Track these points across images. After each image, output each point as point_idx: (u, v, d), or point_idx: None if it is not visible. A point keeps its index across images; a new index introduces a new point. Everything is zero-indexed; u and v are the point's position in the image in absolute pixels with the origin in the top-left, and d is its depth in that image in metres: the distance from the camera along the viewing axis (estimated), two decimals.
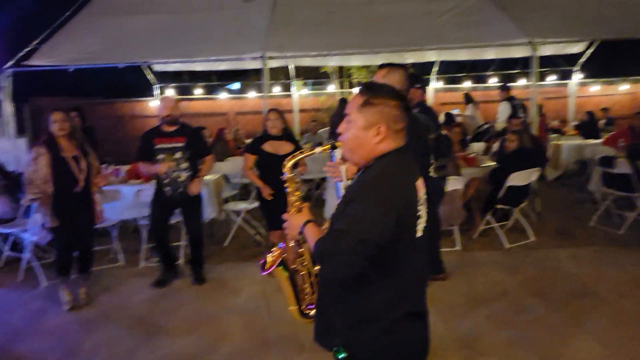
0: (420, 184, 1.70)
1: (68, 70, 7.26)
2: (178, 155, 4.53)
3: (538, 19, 7.36)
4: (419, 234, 1.66)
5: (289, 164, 1.94)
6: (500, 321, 3.82)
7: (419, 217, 1.66)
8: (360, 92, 1.70)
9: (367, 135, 1.65)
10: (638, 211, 5.83)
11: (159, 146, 4.51)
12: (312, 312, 1.95)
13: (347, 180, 2.29)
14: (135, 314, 4.25)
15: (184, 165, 4.56)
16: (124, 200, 5.45)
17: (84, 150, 4.37)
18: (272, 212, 4.60)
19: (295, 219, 1.80)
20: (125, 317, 4.20)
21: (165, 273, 4.86)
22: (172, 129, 4.55)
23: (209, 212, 5.88)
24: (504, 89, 8.54)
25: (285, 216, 1.86)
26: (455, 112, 9.76)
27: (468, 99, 10.34)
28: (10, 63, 7.25)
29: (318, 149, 1.93)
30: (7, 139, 7.85)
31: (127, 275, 5.19)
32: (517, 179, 5.49)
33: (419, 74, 6.21)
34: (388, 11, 7.66)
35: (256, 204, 6.26)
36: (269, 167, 4.64)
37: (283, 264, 1.94)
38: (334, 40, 7.57)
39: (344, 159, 1.83)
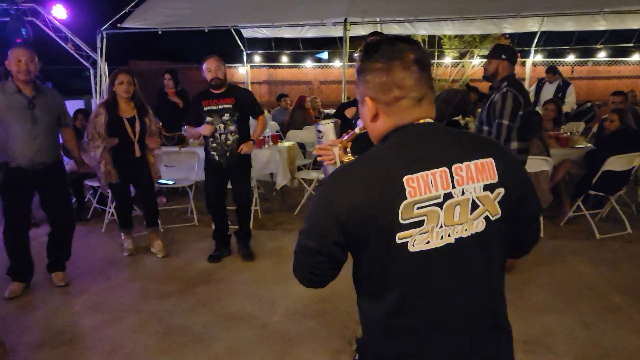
0: (443, 177, 1.19)
1: (157, 33, 7.50)
2: (226, 117, 4.37)
3: None
4: (420, 246, 1.19)
5: (343, 146, 1.53)
6: (580, 319, 3.46)
7: (419, 223, 1.18)
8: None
9: (363, 112, 1.30)
10: None
11: (207, 108, 4.38)
12: None
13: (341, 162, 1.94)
14: (199, 273, 4.36)
15: (232, 127, 4.38)
16: (201, 161, 5.57)
17: (142, 112, 4.46)
18: None
19: None
20: (188, 276, 4.31)
21: (218, 249, 4.68)
22: (220, 90, 4.40)
23: (281, 179, 5.88)
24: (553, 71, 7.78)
25: None
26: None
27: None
28: (105, 26, 7.64)
29: (357, 129, 1.50)
30: (101, 99, 8.36)
31: (199, 234, 5.35)
32: (615, 163, 4.92)
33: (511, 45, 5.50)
34: None
35: None
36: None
37: None
38: (423, 6, 7.14)
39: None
